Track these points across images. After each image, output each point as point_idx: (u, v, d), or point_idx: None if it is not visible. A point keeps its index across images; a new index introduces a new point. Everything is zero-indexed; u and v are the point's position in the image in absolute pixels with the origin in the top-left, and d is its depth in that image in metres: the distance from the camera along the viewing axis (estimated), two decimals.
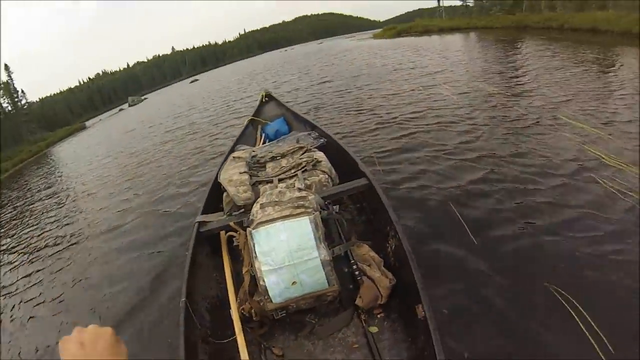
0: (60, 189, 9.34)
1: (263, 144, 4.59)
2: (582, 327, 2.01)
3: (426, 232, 3.16)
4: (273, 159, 3.10)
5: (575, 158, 3.87)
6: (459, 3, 43.96)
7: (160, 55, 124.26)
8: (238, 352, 1.90)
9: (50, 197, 8.72)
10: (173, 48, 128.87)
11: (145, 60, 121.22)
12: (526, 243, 2.81)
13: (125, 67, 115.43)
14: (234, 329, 2.02)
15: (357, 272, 2.16)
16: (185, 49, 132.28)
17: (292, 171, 2.77)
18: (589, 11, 24.53)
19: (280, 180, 2.70)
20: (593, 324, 2.01)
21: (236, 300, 2.21)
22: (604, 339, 1.92)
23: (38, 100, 79.52)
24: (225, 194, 2.71)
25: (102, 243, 4.71)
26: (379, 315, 2.13)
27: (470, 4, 42.23)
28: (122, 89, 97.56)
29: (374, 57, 17.90)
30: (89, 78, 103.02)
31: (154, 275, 3.52)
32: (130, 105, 41.24)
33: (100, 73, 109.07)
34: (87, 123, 43.48)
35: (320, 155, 2.97)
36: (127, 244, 4.43)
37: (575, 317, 2.08)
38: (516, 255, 2.72)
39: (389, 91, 8.70)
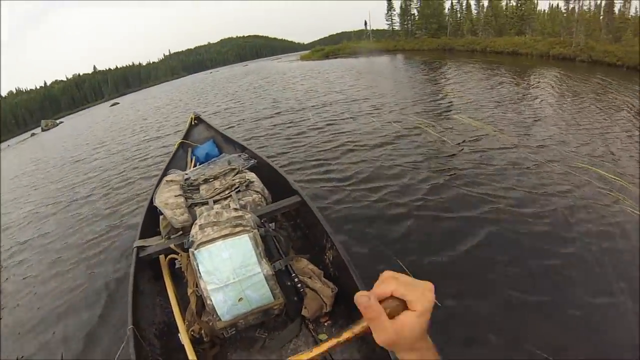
0: None
1: (194, 166, 4.55)
2: None
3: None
4: (206, 181, 3.10)
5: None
6: (386, 27, 45.80)
7: (81, 74, 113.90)
8: None
9: None
10: (95, 67, 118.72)
11: (65, 80, 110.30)
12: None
13: (43, 85, 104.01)
14: (186, 353, 1.99)
15: (299, 285, 2.25)
16: (107, 68, 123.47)
17: (226, 192, 2.80)
18: (508, 35, 27.20)
19: (215, 202, 2.72)
20: None
21: (184, 322, 2.19)
22: None
23: None
24: (162, 217, 2.67)
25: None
26: (326, 323, 2.22)
27: (397, 28, 44.20)
28: (38, 110, 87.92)
29: (308, 79, 18.78)
30: (0, 95, 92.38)
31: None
32: (43, 130, 37.12)
33: (14, 91, 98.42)
34: None
35: (252, 175, 3.03)
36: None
37: None
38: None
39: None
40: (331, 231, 2.41)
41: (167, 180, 3.07)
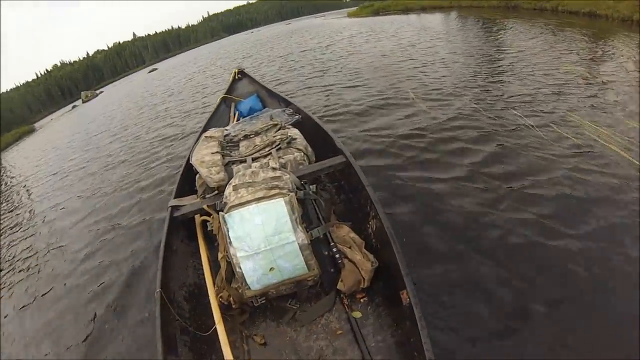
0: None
1: (236, 121, 4.43)
2: None
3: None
4: (246, 137, 2.96)
5: None
6: None
7: (121, 42, 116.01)
8: (219, 342, 1.81)
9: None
10: (134, 34, 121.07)
11: (106, 49, 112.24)
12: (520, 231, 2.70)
13: (85, 56, 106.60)
14: (213, 318, 1.93)
15: (337, 255, 2.07)
16: (147, 34, 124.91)
17: (266, 149, 2.65)
18: None
19: (254, 160, 2.57)
20: None
21: (214, 288, 2.10)
22: None
23: None
24: (198, 176, 2.57)
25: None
26: (362, 300, 2.06)
27: None
28: (83, 80, 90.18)
29: (373, 41, 14.25)
30: (47, 70, 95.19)
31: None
32: (83, 102, 36.69)
33: (59, 64, 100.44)
34: (37, 125, 38.56)
35: (295, 132, 2.85)
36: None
37: None
38: (507, 242, 2.64)
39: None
40: (376, 199, 2.20)
41: (205, 137, 2.96)
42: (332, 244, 2.12)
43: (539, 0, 24.16)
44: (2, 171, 13.09)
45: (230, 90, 5.62)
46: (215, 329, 1.86)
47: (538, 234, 2.55)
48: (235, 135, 3.03)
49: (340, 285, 2.04)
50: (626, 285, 2.09)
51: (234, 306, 2.05)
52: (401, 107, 5.32)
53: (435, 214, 2.93)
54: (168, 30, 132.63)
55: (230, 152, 2.80)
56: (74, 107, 37.33)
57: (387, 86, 6.59)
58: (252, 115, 4.23)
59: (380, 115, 5.13)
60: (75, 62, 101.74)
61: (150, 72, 43.47)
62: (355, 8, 44.74)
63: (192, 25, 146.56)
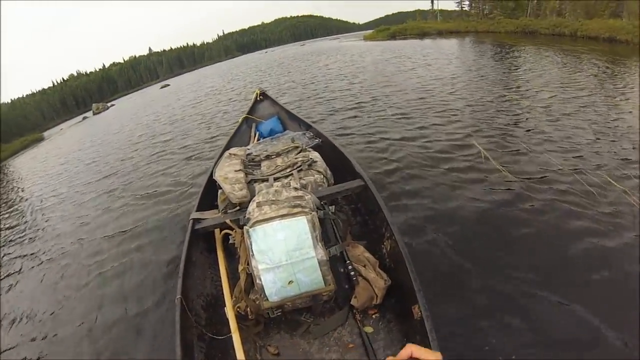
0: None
1: (257, 142, 4.58)
2: None
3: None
4: (268, 157, 3.09)
5: None
6: (453, 7, 42.93)
7: (137, 56, 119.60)
8: (234, 350, 1.89)
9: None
10: (150, 49, 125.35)
11: (122, 62, 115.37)
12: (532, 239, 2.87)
13: (101, 67, 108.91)
14: (229, 327, 2.02)
15: (352, 273, 2.18)
16: (162, 50, 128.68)
17: (288, 170, 2.76)
18: (599, 18, 23.32)
19: (275, 179, 2.68)
20: None
21: (232, 298, 2.20)
22: None
23: (9, 102, 75.99)
24: (220, 192, 2.68)
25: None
26: (374, 316, 2.15)
27: (466, 8, 41.43)
28: (97, 91, 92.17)
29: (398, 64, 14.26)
30: (63, 79, 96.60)
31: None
32: (94, 114, 36.40)
33: (75, 74, 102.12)
34: (47, 133, 38.61)
35: (315, 155, 2.96)
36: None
37: None
38: (515, 253, 2.79)
39: None
40: (392, 220, 2.31)
41: (229, 154, 3.09)
42: (347, 261, 2.23)
43: (556, 25, 23.95)
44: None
45: (251, 111, 5.77)
46: (231, 337, 1.95)
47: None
48: (257, 155, 3.15)
49: (353, 301, 2.14)
50: None
51: (250, 317, 2.14)
52: (473, 171, 4.23)
53: None
54: (183, 46, 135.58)
55: (253, 170, 2.91)
56: (84, 118, 37.23)
57: (450, 139, 5.37)
58: (272, 136, 4.37)
59: (456, 189, 3.90)
60: (91, 73, 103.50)
61: (162, 87, 43.52)
62: (371, 31, 45.13)
63: (207, 42, 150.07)
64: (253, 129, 5.25)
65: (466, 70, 10.90)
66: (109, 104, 43.16)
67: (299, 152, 3.06)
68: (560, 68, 9.99)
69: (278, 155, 3.09)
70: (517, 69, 10.37)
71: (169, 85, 44.35)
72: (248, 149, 3.42)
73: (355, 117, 7.43)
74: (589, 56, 11.75)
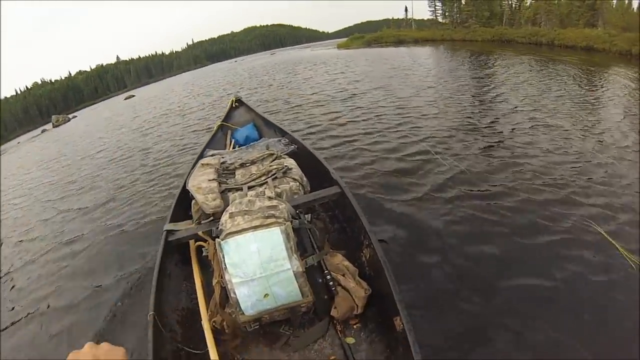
0: None
1: (233, 149, 4.50)
2: None
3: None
4: (242, 165, 3.02)
5: None
6: (426, 16, 43.28)
7: (104, 64, 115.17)
8: None
9: None
10: (118, 57, 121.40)
11: (89, 70, 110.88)
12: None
13: (67, 75, 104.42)
14: (206, 341, 1.94)
15: (331, 282, 2.12)
16: (130, 58, 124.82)
17: (262, 178, 2.69)
18: (573, 27, 23.45)
19: (250, 188, 2.60)
20: None
21: (207, 312, 2.13)
22: None
23: None
24: (193, 202, 2.60)
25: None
26: (355, 326, 2.10)
27: (440, 19, 41.75)
28: (62, 100, 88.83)
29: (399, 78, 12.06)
30: (27, 87, 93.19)
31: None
32: (54, 126, 32.53)
33: (39, 82, 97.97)
34: (3, 147, 35.73)
35: (290, 162, 2.90)
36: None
37: None
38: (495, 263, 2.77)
39: None
40: (370, 228, 2.27)
41: (202, 164, 3.01)
42: (325, 271, 2.17)
43: (533, 34, 24.36)
44: None
45: (227, 118, 5.69)
46: (207, 352, 1.87)
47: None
48: (231, 163, 3.09)
49: (333, 312, 2.08)
50: None
51: (227, 331, 2.07)
52: None
53: None
54: (152, 55, 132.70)
55: (227, 179, 2.83)
56: (43, 131, 33.01)
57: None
58: (248, 144, 4.30)
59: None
60: (56, 81, 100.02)
61: (126, 99, 39.71)
62: (346, 39, 45.29)
63: (175, 51, 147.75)
64: (229, 137, 5.18)
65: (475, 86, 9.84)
66: (70, 116, 39.25)
67: (274, 160, 3.00)
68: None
69: (253, 163, 3.03)
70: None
71: (134, 96, 41.41)
72: (222, 157, 3.34)
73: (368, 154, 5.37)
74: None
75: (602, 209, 3.37)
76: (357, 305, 2.08)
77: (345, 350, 1.94)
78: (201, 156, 4.07)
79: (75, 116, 39.24)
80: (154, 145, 9.27)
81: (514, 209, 3.45)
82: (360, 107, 8.42)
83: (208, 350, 1.89)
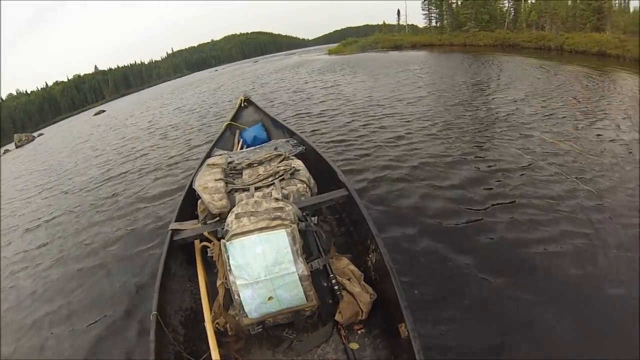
0: None
1: (240, 149, 4.49)
2: None
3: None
4: (250, 165, 3.00)
5: None
6: (417, 21, 42.41)
7: (82, 74, 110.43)
8: None
9: None
10: (96, 67, 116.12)
11: (66, 80, 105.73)
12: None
13: (44, 86, 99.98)
14: (208, 343, 1.93)
15: (336, 287, 2.09)
16: (109, 68, 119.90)
17: (270, 179, 2.66)
18: (581, 32, 22.71)
19: (256, 189, 2.58)
20: None
21: (211, 313, 2.11)
22: None
23: None
24: (200, 201, 2.57)
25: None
26: (359, 331, 2.07)
27: (433, 22, 40.74)
28: (37, 113, 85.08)
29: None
30: (1, 99, 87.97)
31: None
32: (17, 146, 28.18)
33: (14, 93, 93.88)
34: None
35: (298, 163, 2.87)
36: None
37: None
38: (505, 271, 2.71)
39: None
40: (376, 232, 2.24)
41: (209, 164, 3.00)
42: (331, 275, 2.13)
43: (539, 38, 23.59)
44: None
45: (235, 117, 5.69)
46: (210, 355, 1.86)
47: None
48: (239, 163, 3.06)
49: (338, 317, 2.06)
50: None
51: (230, 333, 2.06)
52: None
53: None
54: (130, 64, 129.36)
55: (233, 179, 2.81)
56: (5, 151, 27.14)
57: None
58: (256, 144, 4.29)
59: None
60: (31, 92, 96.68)
61: (96, 114, 34.96)
62: (337, 45, 44.28)
63: (155, 61, 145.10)
64: (237, 136, 5.18)
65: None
66: (36, 134, 34.34)
67: (282, 161, 2.97)
68: None
69: (260, 163, 3.00)
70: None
71: (104, 111, 36.46)
72: (230, 157, 3.32)
73: None
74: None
75: None
76: (362, 311, 2.05)
77: (349, 355, 1.92)
78: (209, 155, 4.06)
79: (42, 134, 35.15)
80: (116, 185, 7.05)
81: (534, 222, 3.32)
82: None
83: (210, 352, 1.87)
